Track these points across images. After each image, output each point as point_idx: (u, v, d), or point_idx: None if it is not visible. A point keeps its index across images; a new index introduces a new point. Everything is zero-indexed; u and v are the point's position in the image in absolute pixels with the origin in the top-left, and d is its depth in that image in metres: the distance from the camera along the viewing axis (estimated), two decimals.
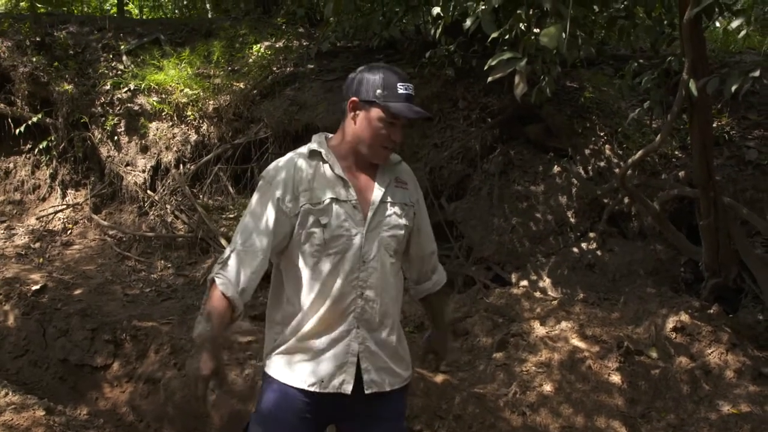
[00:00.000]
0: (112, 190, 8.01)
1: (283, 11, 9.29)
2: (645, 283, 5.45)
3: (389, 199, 2.46)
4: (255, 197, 2.42)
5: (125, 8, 12.23)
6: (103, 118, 8.00)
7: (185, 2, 12.90)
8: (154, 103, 7.95)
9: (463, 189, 6.70)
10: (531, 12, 3.93)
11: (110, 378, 5.12)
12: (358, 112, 2.40)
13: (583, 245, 5.90)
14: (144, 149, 7.93)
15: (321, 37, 8.45)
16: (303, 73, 8.05)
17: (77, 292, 6.08)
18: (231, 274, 2.30)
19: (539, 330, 4.91)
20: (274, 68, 8.20)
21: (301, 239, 2.37)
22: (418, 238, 2.61)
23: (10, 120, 8.16)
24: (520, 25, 3.99)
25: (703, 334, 4.50)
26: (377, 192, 2.45)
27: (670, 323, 4.62)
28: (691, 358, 4.40)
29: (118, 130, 7.99)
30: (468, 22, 4.12)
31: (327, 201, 2.37)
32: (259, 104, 7.87)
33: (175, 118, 7.95)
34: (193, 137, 7.87)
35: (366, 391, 2.40)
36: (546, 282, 5.78)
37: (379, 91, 2.35)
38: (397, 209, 2.47)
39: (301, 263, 2.39)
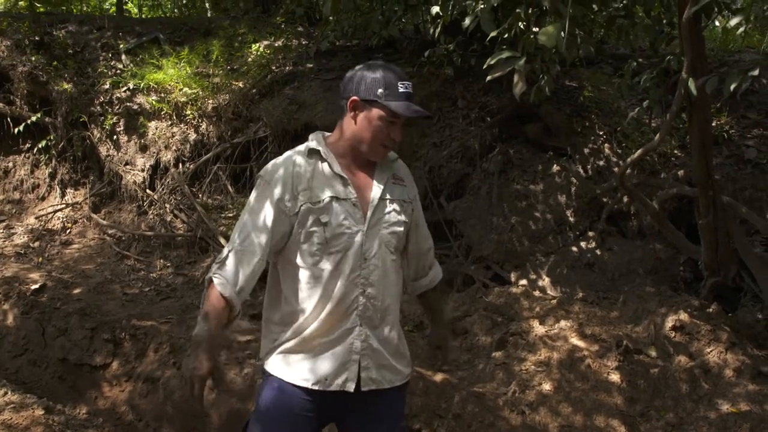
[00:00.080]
0: (111, 189, 8.01)
1: (282, 10, 9.27)
2: (644, 282, 5.45)
3: (388, 197, 2.47)
4: (253, 196, 2.42)
5: (124, 7, 12.20)
6: (102, 117, 8.00)
7: (184, 1, 12.89)
8: (154, 102, 7.94)
9: (462, 188, 6.70)
10: (530, 11, 3.92)
11: (109, 377, 5.12)
12: (358, 111, 2.40)
13: (583, 244, 5.90)
14: (143, 148, 7.92)
15: (320, 36, 8.44)
16: (302, 72, 8.04)
17: (76, 291, 6.08)
18: (229, 273, 2.30)
19: (538, 329, 4.91)
20: (273, 67, 8.19)
21: (301, 239, 2.37)
22: (416, 235, 2.62)
23: (9, 119, 8.17)
24: (519, 24, 3.99)
25: (703, 333, 4.50)
26: (376, 189, 2.45)
27: (670, 322, 4.62)
28: (690, 357, 4.40)
29: (117, 129, 7.98)
30: (467, 21, 4.11)
31: (327, 199, 2.37)
32: (258, 103, 7.86)
33: (174, 117, 7.94)
34: (192, 136, 7.86)
35: (362, 389, 2.40)
36: (545, 281, 5.78)
37: (380, 90, 2.35)
38: (396, 206, 2.48)
39: (300, 262, 2.39)
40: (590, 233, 5.95)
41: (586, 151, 6.31)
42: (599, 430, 4.00)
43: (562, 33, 3.43)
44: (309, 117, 7.39)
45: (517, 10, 3.90)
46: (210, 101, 7.88)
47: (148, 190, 7.80)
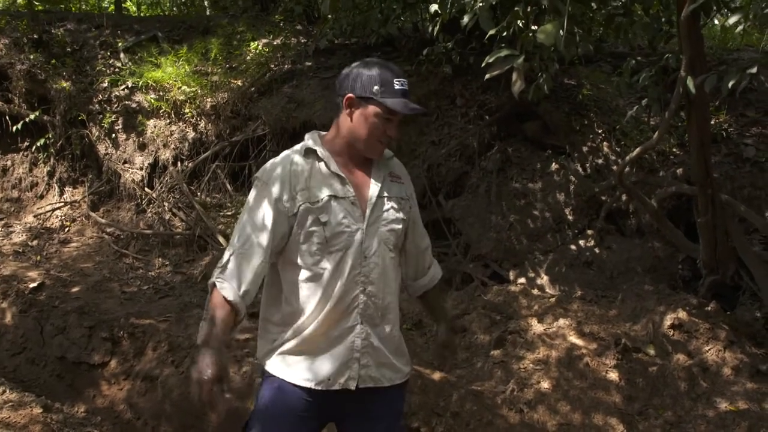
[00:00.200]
0: (110, 188, 8.00)
1: (281, 8, 9.26)
2: (643, 281, 5.45)
3: (386, 194, 2.46)
4: (251, 198, 2.41)
5: (123, 5, 12.17)
6: (101, 116, 7.99)
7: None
8: (152, 101, 7.94)
9: (460, 186, 6.70)
10: (529, 9, 3.92)
11: (108, 375, 5.12)
12: (354, 108, 2.39)
13: (581, 242, 5.91)
14: (142, 147, 7.92)
15: (318, 34, 8.44)
16: (301, 71, 8.04)
17: (75, 289, 6.08)
18: (231, 277, 2.30)
19: (537, 327, 4.91)
20: (272, 65, 8.19)
21: (300, 239, 2.36)
22: (413, 233, 2.62)
23: (7, 117, 8.15)
24: (518, 22, 3.99)
25: (701, 331, 4.50)
26: (374, 187, 2.44)
27: (668, 320, 4.62)
28: (689, 355, 4.40)
29: (116, 127, 7.97)
30: (465, 19, 4.10)
31: (325, 198, 2.36)
32: (256, 101, 7.86)
33: (173, 115, 7.94)
34: (191, 135, 7.86)
35: (360, 386, 2.40)
36: (544, 279, 5.78)
37: (376, 87, 2.35)
38: (394, 204, 2.47)
39: (300, 263, 2.38)
40: (589, 231, 5.95)
41: (585, 149, 6.31)
42: (597, 428, 4.00)
43: (561, 31, 3.43)
44: (307, 115, 7.39)
45: (516, 8, 3.90)
46: (209, 99, 7.87)
47: (146, 189, 7.79)
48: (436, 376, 4.37)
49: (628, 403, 4.17)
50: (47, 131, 8.15)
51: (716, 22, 7.79)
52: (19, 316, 5.61)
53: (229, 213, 7.42)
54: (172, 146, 7.83)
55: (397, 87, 2.36)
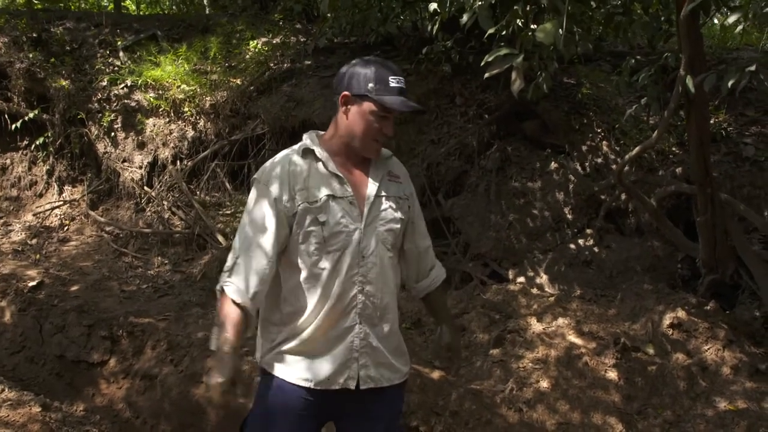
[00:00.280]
0: (109, 187, 8.01)
1: (280, 7, 9.25)
2: (642, 280, 5.45)
3: (384, 193, 2.46)
4: (252, 199, 2.40)
5: (122, 4, 12.17)
6: (100, 114, 7.99)
7: None
8: (151, 99, 7.93)
9: (460, 185, 6.70)
10: (528, 8, 3.92)
11: (107, 374, 5.12)
12: (349, 106, 2.39)
13: (580, 242, 5.90)
14: (141, 145, 7.92)
15: (318, 33, 8.44)
16: (300, 70, 8.04)
17: (74, 288, 6.08)
18: (239, 280, 2.30)
19: (536, 326, 4.91)
20: (271, 64, 8.18)
21: (299, 239, 2.36)
22: (412, 232, 2.61)
23: (6, 116, 8.16)
24: (517, 21, 3.98)
25: (700, 330, 4.50)
26: (372, 187, 2.44)
27: (667, 320, 4.62)
28: (688, 354, 4.40)
29: (115, 126, 7.97)
30: (465, 18, 4.09)
31: (324, 198, 2.36)
32: (256, 100, 7.86)
33: (172, 114, 7.94)
34: (190, 133, 7.86)
35: (361, 387, 2.40)
36: (543, 278, 5.78)
37: (371, 84, 2.34)
38: (392, 203, 2.47)
39: (299, 263, 2.38)
40: (588, 231, 5.95)
41: (584, 148, 6.31)
42: (596, 427, 4.00)
43: (560, 30, 3.43)
44: (307, 114, 7.39)
45: (515, 7, 3.90)
46: (208, 98, 7.87)
47: (145, 188, 7.80)
48: (435, 375, 4.37)
49: (627, 403, 4.17)
50: (46, 130, 8.15)
51: (716, 21, 7.79)
52: (18, 315, 5.61)
53: (228, 212, 7.42)
54: (172, 145, 7.83)
55: (392, 84, 2.35)
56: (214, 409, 4.41)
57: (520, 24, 4.00)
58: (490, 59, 3.70)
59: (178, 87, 7.92)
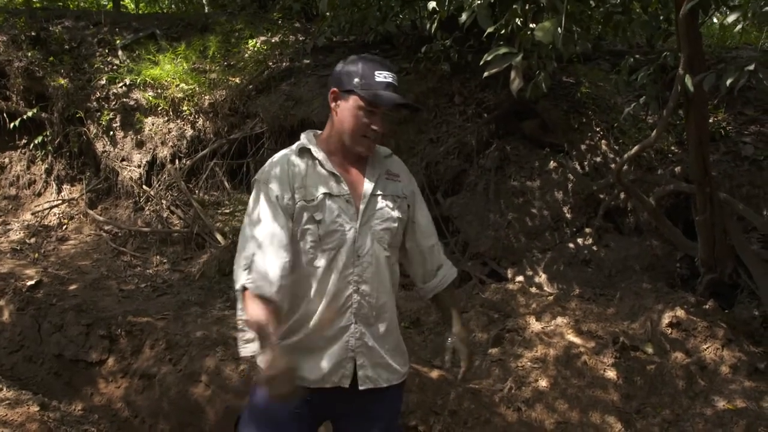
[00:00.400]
0: (108, 186, 8.00)
1: (279, 6, 9.25)
2: (641, 279, 5.45)
3: (380, 192, 2.45)
4: (254, 199, 2.40)
5: (121, 3, 12.18)
6: (99, 113, 7.98)
7: None
8: (150, 98, 7.93)
9: (459, 184, 6.69)
10: (527, 7, 3.92)
11: (105, 373, 5.11)
12: (338, 102, 2.40)
13: (579, 241, 5.90)
14: (139, 144, 7.91)
15: (317, 32, 8.43)
16: (299, 68, 8.03)
17: (72, 287, 6.07)
18: (260, 276, 2.27)
19: (535, 325, 4.91)
20: (270, 63, 8.18)
21: (297, 237, 2.36)
22: (413, 231, 2.59)
23: (5, 115, 8.14)
24: (516, 20, 3.98)
25: (699, 329, 4.50)
26: (367, 185, 2.44)
27: (666, 319, 4.62)
28: (687, 353, 4.40)
29: (114, 125, 7.97)
30: (464, 17, 4.09)
31: (320, 197, 2.36)
32: (254, 99, 7.85)
33: (171, 113, 7.93)
34: (189, 132, 7.85)
35: (360, 387, 2.40)
36: (542, 277, 5.78)
37: (356, 80, 2.35)
38: (389, 201, 2.46)
39: (295, 261, 2.37)
40: (587, 230, 5.95)
41: (583, 147, 6.31)
42: (595, 426, 4.00)
43: (559, 29, 3.43)
44: (306, 113, 7.38)
45: (514, 6, 3.90)
46: (207, 97, 7.86)
47: (144, 187, 7.79)
48: (434, 374, 4.37)
49: (626, 402, 4.16)
50: (45, 129, 8.14)
51: (715, 20, 7.79)
52: (16, 314, 5.60)
53: (227, 211, 7.41)
54: (170, 144, 7.82)
55: (378, 79, 2.35)
56: (213, 408, 4.40)
57: (519, 23, 4.00)
58: (489, 58, 3.70)
59: (177, 86, 7.91)
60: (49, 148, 8.16)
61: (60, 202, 8.01)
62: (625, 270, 5.63)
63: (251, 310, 2.23)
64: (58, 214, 7.90)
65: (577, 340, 4.65)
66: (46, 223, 7.77)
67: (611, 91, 6.62)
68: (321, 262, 2.35)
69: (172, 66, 8.14)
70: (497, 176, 6.40)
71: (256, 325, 2.18)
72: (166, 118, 7.94)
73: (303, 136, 2.51)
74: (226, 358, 4.61)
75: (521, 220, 6.13)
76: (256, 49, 8.45)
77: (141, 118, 7.93)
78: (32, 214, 7.93)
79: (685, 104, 4.54)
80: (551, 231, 6.04)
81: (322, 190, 2.37)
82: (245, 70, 8.12)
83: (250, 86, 7.91)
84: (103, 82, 8.18)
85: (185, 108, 7.84)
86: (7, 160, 8.39)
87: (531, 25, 3.83)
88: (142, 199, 7.72)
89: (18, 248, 7.24)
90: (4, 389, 3.98)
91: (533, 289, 5.61)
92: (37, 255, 7.08)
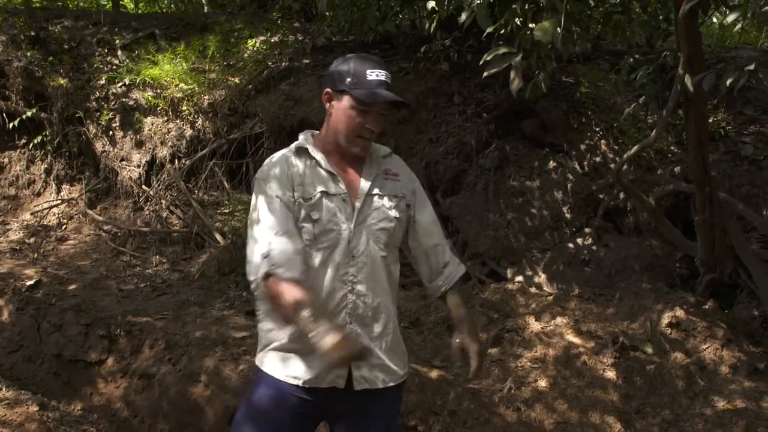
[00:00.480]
0: (107, 185, 8.00)
1: (279, 6, 9.24)
2: (640, 279, 5.45)
3: (377, 191, 2.44)
4: (258, 195, 2.39)
5: (120, 3, 12.18)
6: (98, 113, 7.98)
7: None
8: (149, 98, 7.92)
9: (458, 184, 6.69)
10: (526, 7, 3.92)
11: (104, 373, 5.10)
12: (333, 102, 2.40)
13: (579, 241, 5.90)
14: (139, 144, 7.91)
15: (316, 31, 8.42)
16: (298, 68, 8.03)
17: (72, 287, 6.07)
18: (283, 261, 2.23)
19: (534, 325, 4.91)
20: (270, 63, 8.18)
21: None
22: (415, 230, 2.57)
23: (4, 114, 8.13)
24: (516, 19, 3.98)
25: (699, 329, 4.50)
26: (363, 184, 2.43)
27: (666, 319, 4.62)
28: (686, 353, 4.40)
29: (113, 125, 7.96)
30: (463, 17, 4.09)
31: (318, 195, 2.35)
32: (254, 99, 7.85)
33: (170, 113, 7.93)
34: (188, 132, 7.85)
35: (356, 388, 2.39)
36: (541, 277, 5.78)
37: (348, 79, 2.35)
38: (386, 201, 2.45)
39: None
40: (586, 230, 5.95)
41: (583, 147, 6.31)
42: (595, 426, 4.00)
43: (559, 29, 3.43)
44: (305, 113, 7.38)
45: (514, 6, 3.90)
46: (206, 97, 7.86)
47: (143, 186, 7.79)
48: (434, 374, 4.37)
49: (626, 402, 4.16)
50: (44, 128, 8.13)
51: (714, 20, 7.80)
52: (15, 314, 5.60)
53: (227, 210, 7.41)
54: (170, 144, 7.82)
55: (370, 78, 2.34)
56: (212, 408, 4.40)
57: (518, 23, 4.00)
58: (488, 58, 3.70)
59: (177, 86, 7.91)
60: (49, 148, 8.15)
61: (59, 202, 8.01)
62: (625, 270, 5.63)
63: (288, 294, 2.17)
64: (58, 214, 7.90)
65: (576, 340, 4.65)
66: (45, 223, 7.77)
67: (611, 91, 6.63)
68: (315, 260, 2.34)
69: (172, 66, 8.14)
70: (497, 176, 6.40)
71: (303, 304, 2.13)
72: (166, 118, 7.94)
73: (301, 136, 2.51)
74: (226, 358, 4.60)
75: (521, 220, 6.12)
76: (255, 48, 8.44)
77: (140, 118, 7.93)
78: (31, 213, 7.92)
79: (684, 104, 4.54)
80: (551, 231, 6.04)
81: (319, 188, 2.36)
82: (245, 69, 8.12)
83: (250, 86, 7.91)
84: (103, 81, 8.17)
85: (184, 108, 7.84)
86: (6, 160, 8.38)
87: (530, 25, 3.83)
88: (141, 199, 7.72)
89: (17, 248, 7.23)
90: (4, 389, 3.98)
91: (533, 289, 5.60)
92: (36, 255, 7.08)
